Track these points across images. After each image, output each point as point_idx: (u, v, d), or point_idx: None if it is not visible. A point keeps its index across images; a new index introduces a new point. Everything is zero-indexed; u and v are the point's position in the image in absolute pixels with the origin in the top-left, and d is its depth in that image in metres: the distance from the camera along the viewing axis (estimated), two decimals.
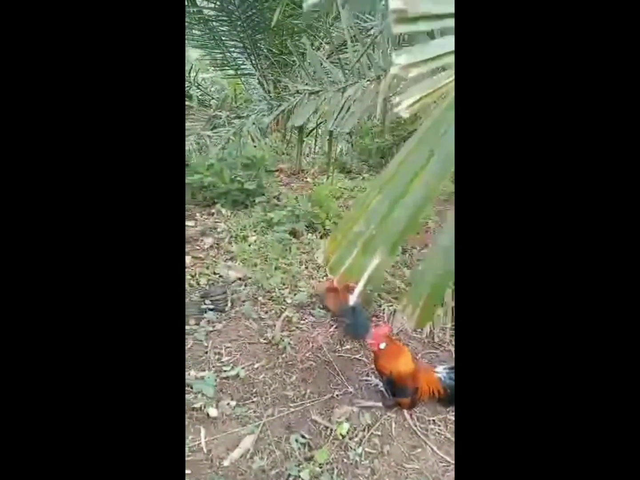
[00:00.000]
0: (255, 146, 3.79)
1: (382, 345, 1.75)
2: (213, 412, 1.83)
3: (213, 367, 2.08)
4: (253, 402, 1.91)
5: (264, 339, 2.27)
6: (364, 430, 1.81)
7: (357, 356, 2.20)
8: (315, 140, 4.82)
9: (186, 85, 4.93)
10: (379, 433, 1.81)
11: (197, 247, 2.99)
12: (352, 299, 2.10)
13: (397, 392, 1.82)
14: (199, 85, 5.11)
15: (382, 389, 1.93)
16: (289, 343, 2.23)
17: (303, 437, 1.76)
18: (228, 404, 1.88)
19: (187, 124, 3.23)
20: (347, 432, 1.78)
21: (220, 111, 4.21)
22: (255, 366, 2.11)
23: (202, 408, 1.83)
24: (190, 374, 2.00)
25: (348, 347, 2.26)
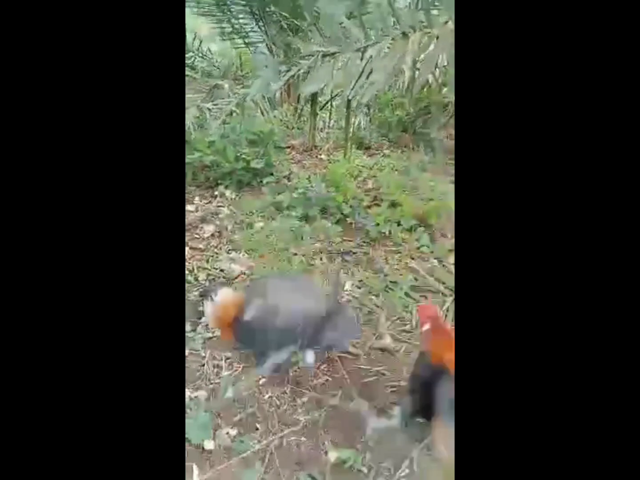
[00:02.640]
0: (265, 119, 3.39)
1: (426, 327, 1.42)
2: (209, 444, 1.51)
3: (211, 383, 1.75)
4: (257, 429, 1.58)
5: None
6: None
7: (380, 367, 1.85)
8: (330, 113, 4.36)
9: (190, 56, 4.52)
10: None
11: (197, 236, 2.64)
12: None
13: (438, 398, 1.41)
14: (204, 55, 4.70)
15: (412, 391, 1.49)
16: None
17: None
18: (227, 433, 1.55)
19: (187, 96, 2.84)
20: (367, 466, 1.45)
21: (222, 80, 3.79)
22: (261, 382, 1.77)
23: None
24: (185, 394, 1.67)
25: (373, 356, 1.91)
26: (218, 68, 4.52)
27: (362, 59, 2.36)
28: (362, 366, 1.86)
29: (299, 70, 2.49)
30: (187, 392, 1.67)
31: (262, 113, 3.36)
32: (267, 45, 4.46)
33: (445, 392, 1.32)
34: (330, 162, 3.81)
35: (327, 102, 2.58)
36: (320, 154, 4.24)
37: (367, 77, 2.27)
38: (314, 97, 3.26)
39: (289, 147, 4.21)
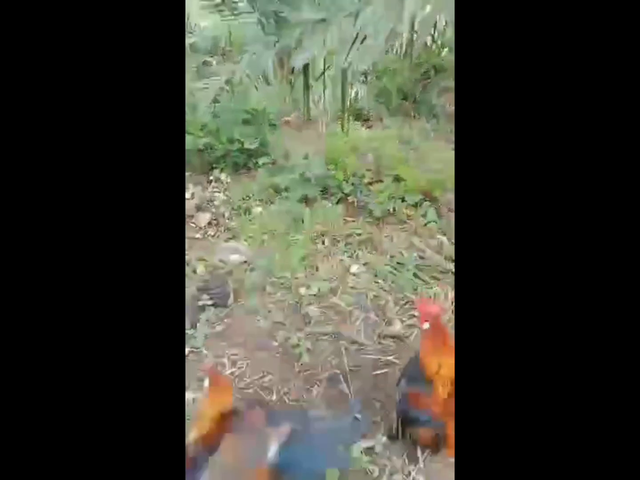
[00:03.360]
0: (258, 95, 3.22)
1: (426, 326, 1.30)
2: None
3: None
4: None
5: (276, 341, 1.84)
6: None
7: (391, 357, 1.76)
8: (324, 84, 4.16)
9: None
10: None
11: (193, 225, 2.53)
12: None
13: (418, 414, 1.31)
14: (192, 31, 4.47)
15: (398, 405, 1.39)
16: (308, 348, 1.79)
17: None
18: None
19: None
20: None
21: (211, 56, 3.58)
22: (266, 380, 1.69)
23: None
24: (186, 397, 1.60)
25: (383, 344, 1.82)
26: (207, 44, 4.30)
27: (355, 24, 2.18)
28: (371, 355, 1.77)
29: (289, 40, 2.31)
30: (190, 395, 1.60)
31: (256, 88, 3.17)
32: (257, 17, 4.21)
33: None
34: (328, 136, 3.64)
35: (321, 74, 2.41)
36: (317, 128, 4.07)
37: (362, 42, 2.10)
38: (306, 68, 3.07)
39: (284, 122, 4.03)
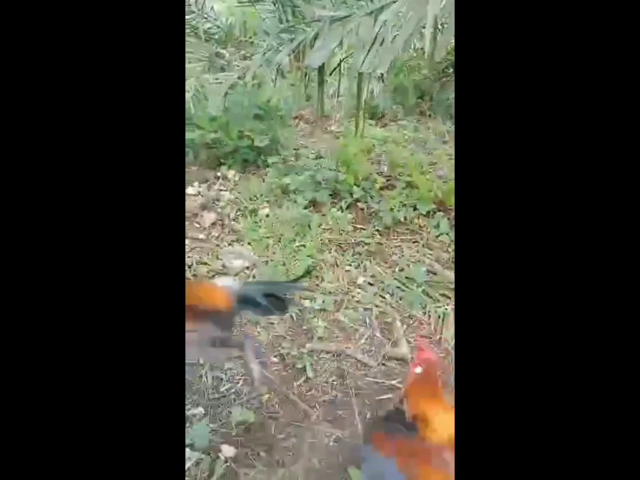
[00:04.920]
0: (272, 89, 3.11)
1: (418, 370, 1.19)
2: None
3: (209, 400, 1.61)
4: (260, 456, 1.45)
5: (276, 356, 1.78)
6: None
7: (395, 381, 1.68)
8: (339, 80, 4.03)
9: (192, 17, 4.17)
10: None
11: (197, 225, 2.46)
12: None
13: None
14: (207, 16, 4.35)
15: None
16: (311, 364, 1.72)
17: None
18: (226, 462, 1.42)
19: (185, 65, 2.58)
20: None
21: (224, 47, 3.47)
22: (264, 398, 1.63)
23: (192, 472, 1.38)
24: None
25: (387, 366, 1.74)
26: (221, 30, 4.18)
27: (375, 23, 2.06)
28: (375, 379, 1.70)
29: (305, 38, 2.20)
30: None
31: (274, 83, 3.07)
32: (274, 3, 4.07)
33: None
34: (341, 134, 3.53)
35: (334, 69, 2.31)
36: (331, 125, 3.96)
37: (381, 44, 1.99)
38: (322, 65, 2.96)
39: (297, 117, 3.92)
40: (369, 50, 2.00)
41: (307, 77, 4.11)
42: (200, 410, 1.58)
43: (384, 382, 1.68)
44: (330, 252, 2.27)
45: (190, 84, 2.56)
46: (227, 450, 1.44)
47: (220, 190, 2.72)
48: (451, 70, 3.64)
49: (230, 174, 2.87)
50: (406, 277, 2.10)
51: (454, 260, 2.20)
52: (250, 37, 3.72)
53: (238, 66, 2.65)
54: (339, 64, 2.73)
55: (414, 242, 2.34)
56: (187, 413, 1.55)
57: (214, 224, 2.46)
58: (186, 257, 2.20)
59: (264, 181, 2.79)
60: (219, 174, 2.88)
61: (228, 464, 1.40)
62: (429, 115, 3.90)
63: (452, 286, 2.06)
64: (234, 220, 2.49)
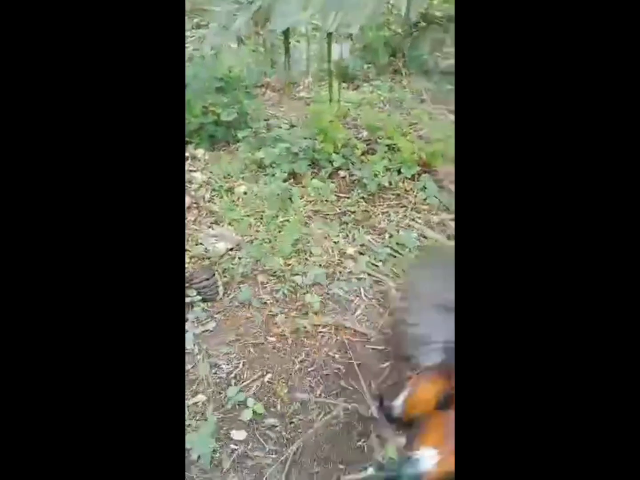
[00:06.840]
0: (231, 58, 2.93)
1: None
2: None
3: (209, 385, 1.54)
4: (265, 443, 1.39)
5: (272, 335, 1.71)
6: None
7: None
8: (308, 43, 3.82)
9: None
10: None
11: None
12: None
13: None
14: None
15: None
16: (304, 339, 1.66)
17: None
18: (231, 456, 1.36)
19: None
20: None
21: None
22: (266, 379, 1.57)
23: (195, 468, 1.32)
24: None
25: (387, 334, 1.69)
26: None
27: None
28: (375, 347, 1.65)
29: (263, 2, 2.02)
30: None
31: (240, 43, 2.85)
32: None
33: None
34: (311, 100, 3.38)
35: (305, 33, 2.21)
36: (300, 91, 3.79)
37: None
38: (286, 28, 2.78)
39: (262, 85, 3.73)
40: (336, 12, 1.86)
41: (267, 42, 3.88)
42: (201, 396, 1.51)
43: (384, 349, 1.64)
44: (316, 225, 2.18)
45: None
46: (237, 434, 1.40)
47: (191, 171, 2.57)
48: (423, 24, 3.49)
49: (199, 153, 2.70)
50: (397, 243, 2.03)
51: (443, 220, 2.14)
52: (202, 3, 3.48)
53: (193, 36, 2.46)
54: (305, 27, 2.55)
55: (401, 207, 2.27)
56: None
57: (188, 207, 2.32)
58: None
59: (236, 157, 2.65)
60: (187, 154, 2.71)
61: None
62: (403, 74, 3.77)
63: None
64: (209, 201, 2.36)
